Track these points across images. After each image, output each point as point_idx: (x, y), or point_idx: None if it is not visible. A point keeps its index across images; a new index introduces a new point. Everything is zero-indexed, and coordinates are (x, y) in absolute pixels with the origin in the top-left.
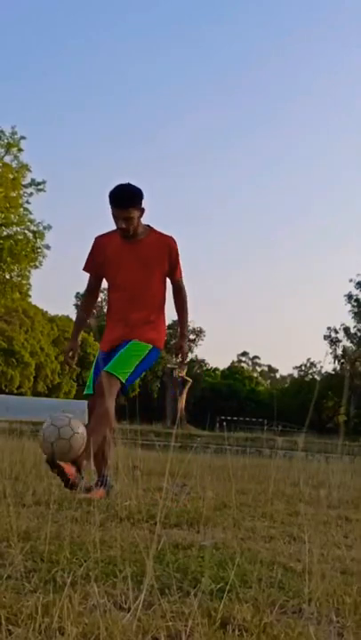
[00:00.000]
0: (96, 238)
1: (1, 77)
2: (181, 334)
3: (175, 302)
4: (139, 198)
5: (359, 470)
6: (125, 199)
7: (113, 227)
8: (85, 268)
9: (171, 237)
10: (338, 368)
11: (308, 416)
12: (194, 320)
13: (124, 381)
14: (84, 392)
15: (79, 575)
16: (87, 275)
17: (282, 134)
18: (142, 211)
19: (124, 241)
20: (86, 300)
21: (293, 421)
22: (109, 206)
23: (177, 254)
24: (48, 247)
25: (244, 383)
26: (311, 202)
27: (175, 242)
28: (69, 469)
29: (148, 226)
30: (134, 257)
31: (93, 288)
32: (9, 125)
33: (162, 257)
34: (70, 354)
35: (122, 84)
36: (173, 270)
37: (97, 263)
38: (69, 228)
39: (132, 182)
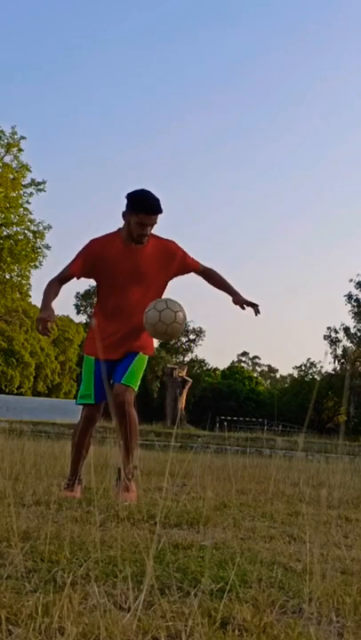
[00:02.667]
0: (93, 242)
1: (1, 77)
2: (235, 293)
3: (214, 284)
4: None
5: (359, 470)
6: (157, 206)
7: (112, 227)
8: (74, 269)
9: (170, 242)
10: (338, 368)
11: (308, 416)
12: (194, 320)
13: (136, 392)
14: (83, 401)
15: (79, 575)
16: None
17: (281, 135)
18: None
19: (125, 246)
20: (56, 287)
21: (293, 421)
22: (132, 212)
23: (182, 254)
24: (48, 247)
25: (244, 383)
26: (311, 202)
27: (176, 244)
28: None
29: None
30: (135, 265)
31: (65, 281)
32: (9, 125)
33: (164, 265)
34: (49, 324)
35: (122, 85)
36: (187, 267)
37: (88, 266)
38: (69, 228)
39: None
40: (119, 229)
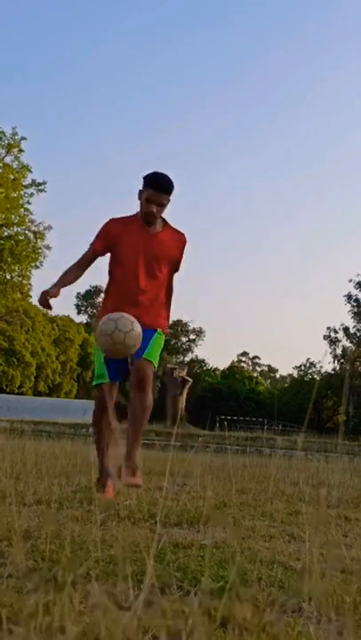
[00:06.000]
0: (112, 220)
1: (1, 78)
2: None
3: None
4: (173, 188)
5: (359, 470)
6: (167, 184)
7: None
8: (96, 246)
9: (184, 235)
10: (337, 368)
11: (308, 415)
12: (194, 320)
13: (156, 369)
14: (98, 381)
15: (80, 574)
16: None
17: (281, 135)
18: (169, 202)
19: (141, 228)
20: (76, 271)
21: (293, 421)
22: (144, 188)
23: (183, 253)
24: (49, 247)
25: (244, 383)
26: (311, 202)
27: (186, 240)
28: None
29: (162, 218)
30: (149, 248)
31: (87, 263)
32: (9, 126)
33: (174, 254)
34: (49, 296)
35: (122, 85)
36: (176, 268)
37: (107, 243)
38: (70, 229)
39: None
40: (137, 212)
